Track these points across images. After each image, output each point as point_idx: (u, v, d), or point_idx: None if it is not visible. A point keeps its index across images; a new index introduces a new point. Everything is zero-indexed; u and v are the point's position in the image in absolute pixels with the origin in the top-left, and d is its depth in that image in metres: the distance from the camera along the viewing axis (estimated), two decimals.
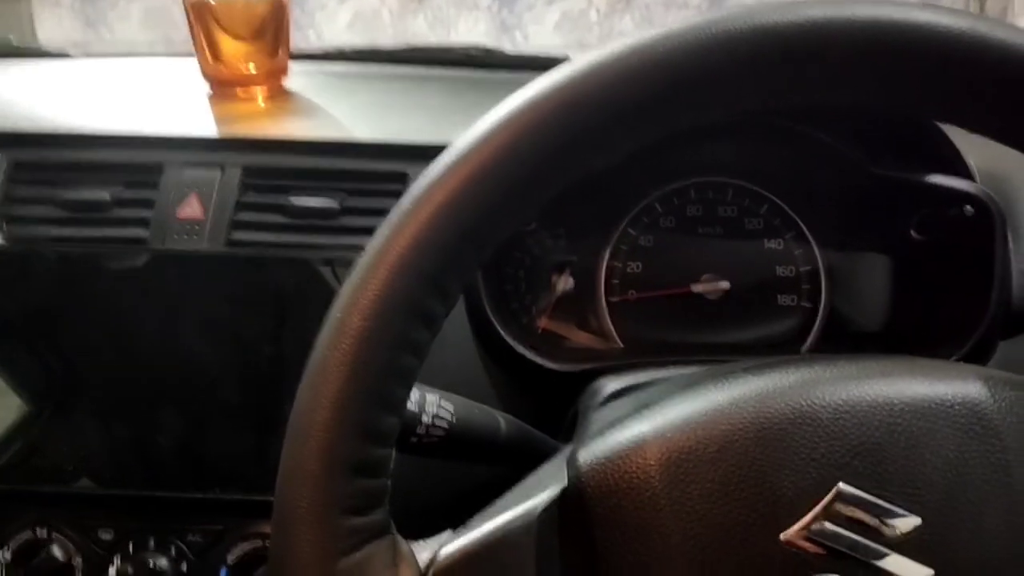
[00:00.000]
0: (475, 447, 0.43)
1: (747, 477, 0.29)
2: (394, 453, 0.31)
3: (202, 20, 0.61)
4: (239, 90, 0.63)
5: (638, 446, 0.30)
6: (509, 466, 0.42)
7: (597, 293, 0.60)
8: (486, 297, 0.53)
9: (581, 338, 0.59)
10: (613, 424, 0.32)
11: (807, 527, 0.28)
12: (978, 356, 0.51)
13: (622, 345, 0.59)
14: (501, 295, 0.58)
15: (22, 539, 0.53)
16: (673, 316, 0.59)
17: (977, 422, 0.29)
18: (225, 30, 0.61)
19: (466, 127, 0.30)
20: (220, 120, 0.60)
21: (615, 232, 0.60)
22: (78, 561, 0.53)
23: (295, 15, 0.65)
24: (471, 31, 2.50)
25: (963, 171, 0.53)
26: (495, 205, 0.30)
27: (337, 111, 0.62)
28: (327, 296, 0.30)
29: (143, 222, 0.53)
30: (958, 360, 0.51)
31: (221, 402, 0.53)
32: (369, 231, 0.30)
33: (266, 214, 0.54)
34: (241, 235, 0.53)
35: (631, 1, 2.46)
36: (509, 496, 0.33)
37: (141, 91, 0.65)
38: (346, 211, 0.54)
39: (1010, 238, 0.51)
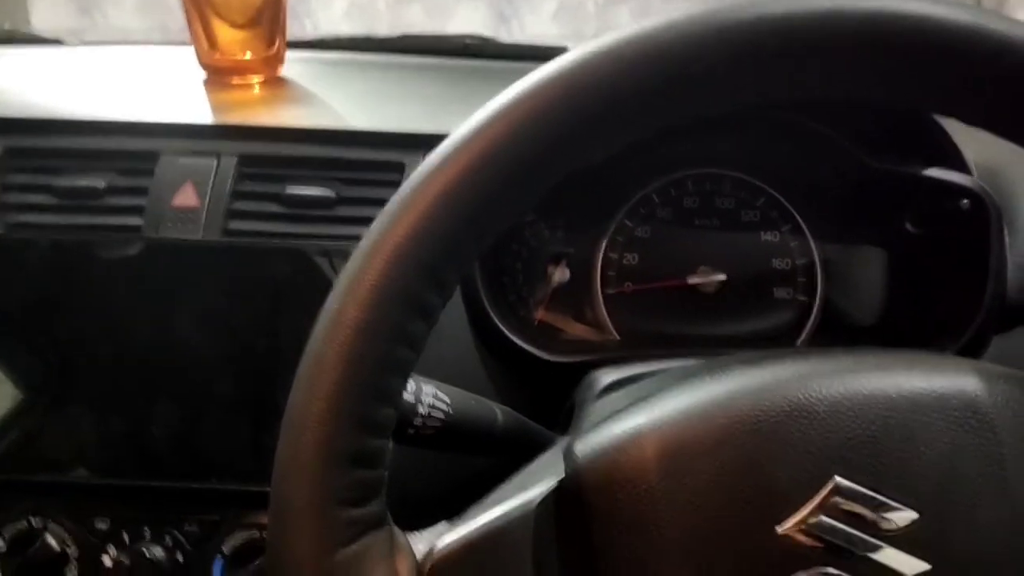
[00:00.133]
0: (471, 438, 0.43)
1: (743, 470, 0.29)
2: (391, 444, 0.31)
3: (198, 7, 0.60)
4: (235, 78, 0.63)
5: (635, 439, 0.30)
6: (505, 458, 0.42)
7: (593, 285, 0.59)
8: (483, 288, 0.53)
9: (577, 330, 0.59)
10: (610, 417, 0.32)
11: (803, 520, 0.28)
12: (972, 350, 0.51)
13: (618, 337, 0.59)
14: (498, 286, 0.58)
15: (17, 529, 0.53)
16: (669, 308, 0.59)
17: (973, 416, 0.29)
18: (221, 17, 0.60)
19: (463, 117, 0.30)
20: (216, 108, 0.60)
21: (612, 223, 0.60)
22: (73, 551, 0.53)
23: (291, 3, 0.64)
24: (468, 20, 2.49)
25: (960, 165, 0.53)
26: (494, 196, 0.29)
27: (333, 100, 0.62)
28: (323, 286, 0.30)
29: (137, 210, 0.53)
30: (953, 354, 0.51)
31: (217, 392, 0.53)
32: (366, 221, 0.30)
33: (262, 203, 0.53)
34: (237, 224, 0.53)
35: None
36: (506, 488, 0.33)
37: (136, 78, 0.65)
38: (343, 201, 0.53)
39: (1005, 232, 0.51)
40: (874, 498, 0.28)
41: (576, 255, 0.60)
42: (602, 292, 0.59)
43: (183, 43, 0.64)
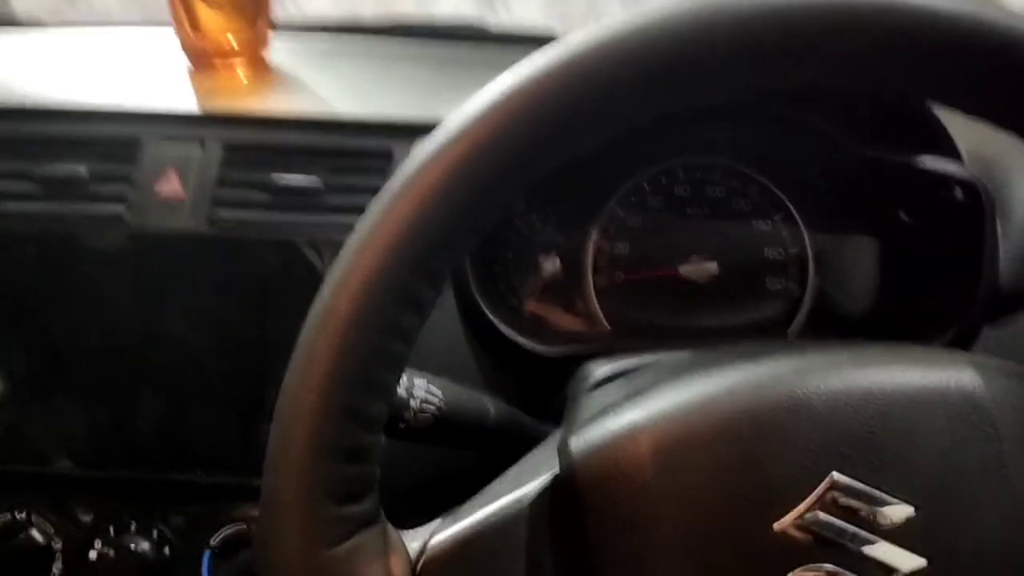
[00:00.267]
0: (464, 432, 0.42)
1: (740, 466, 0.29)
2: (383, 440, 0.30)
3: None
4: (218, 62, 0.62)
5: (630, 434, 0.30)
6: (498, 451, 0.42)
7: (584, 275, 0.59)
8: (473, 280, 0.53)
9: (568, 321, 0.59)
10: (604, 411, 0.32)
11: (801, 516, 0.28)
12: (964, 341, 0.51)
13: (609, 328, 0.59)
14: (488, 278, 0.57)
15: (1, 521, 0.52)
16: (661, 299, 0.59)
17: (972, 411, 0.29)
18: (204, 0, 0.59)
19: (452, 104, 0.29)
20: (200, 94, 0.59)
21: (602, 212, 0.59)
22: (58, 543, 0.52)
23: None
24: (454, 2, 2.46)
25: (954, 155, 0.53)
26: (488, 187, 0.29)
27: (320, 86, 0.60)
28: (312, 277, 0.29)
29: (121, 198, 0.52)
30: (944, 345, 0.51)
31: (204, 384, 0.52)
32: (354, 210, 0.29)
33: (249, 191, 0.53)
34: (223, 213, 0.52)
35: None
36: (500, 483, 0.33)
37: (118, 62, 0.63)
38: (330, 189, 0.53)
39: (998, 222, 0.51)
40: (873, 494, 0.28)
41: (567, 245, 0.59)
42: (593, 282, 0.59)
43: (166, 24, 0.63)
